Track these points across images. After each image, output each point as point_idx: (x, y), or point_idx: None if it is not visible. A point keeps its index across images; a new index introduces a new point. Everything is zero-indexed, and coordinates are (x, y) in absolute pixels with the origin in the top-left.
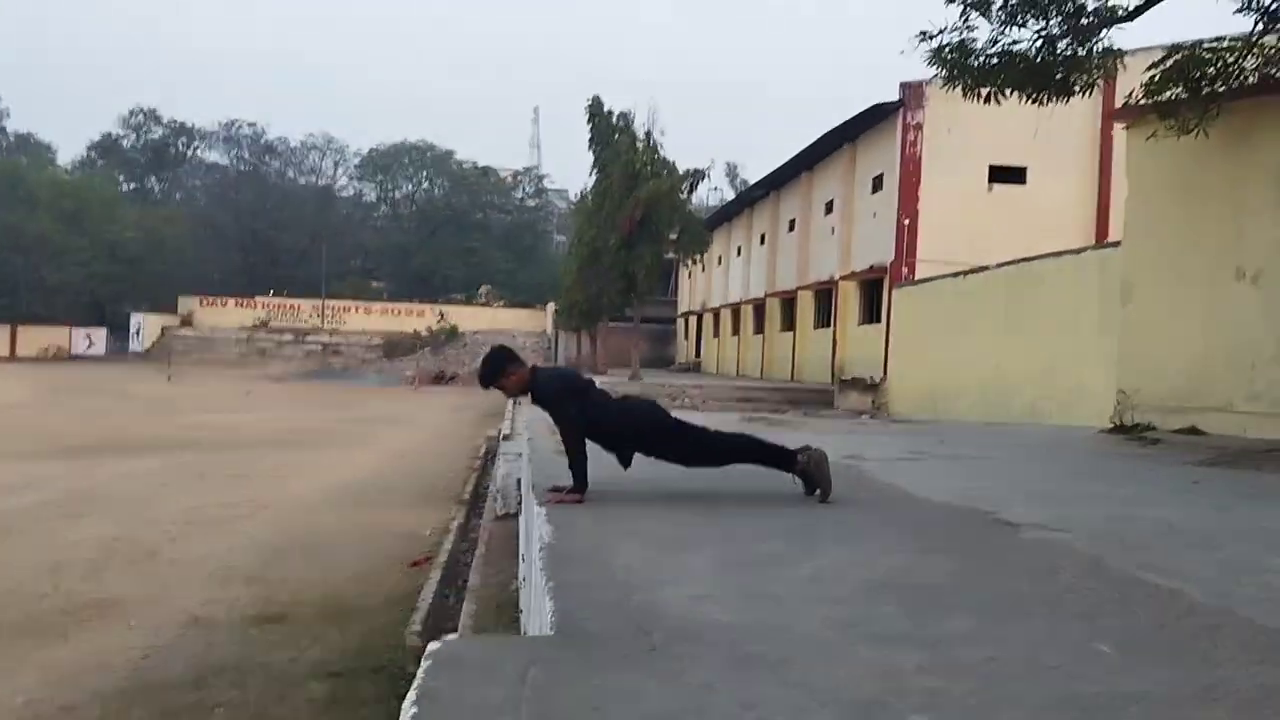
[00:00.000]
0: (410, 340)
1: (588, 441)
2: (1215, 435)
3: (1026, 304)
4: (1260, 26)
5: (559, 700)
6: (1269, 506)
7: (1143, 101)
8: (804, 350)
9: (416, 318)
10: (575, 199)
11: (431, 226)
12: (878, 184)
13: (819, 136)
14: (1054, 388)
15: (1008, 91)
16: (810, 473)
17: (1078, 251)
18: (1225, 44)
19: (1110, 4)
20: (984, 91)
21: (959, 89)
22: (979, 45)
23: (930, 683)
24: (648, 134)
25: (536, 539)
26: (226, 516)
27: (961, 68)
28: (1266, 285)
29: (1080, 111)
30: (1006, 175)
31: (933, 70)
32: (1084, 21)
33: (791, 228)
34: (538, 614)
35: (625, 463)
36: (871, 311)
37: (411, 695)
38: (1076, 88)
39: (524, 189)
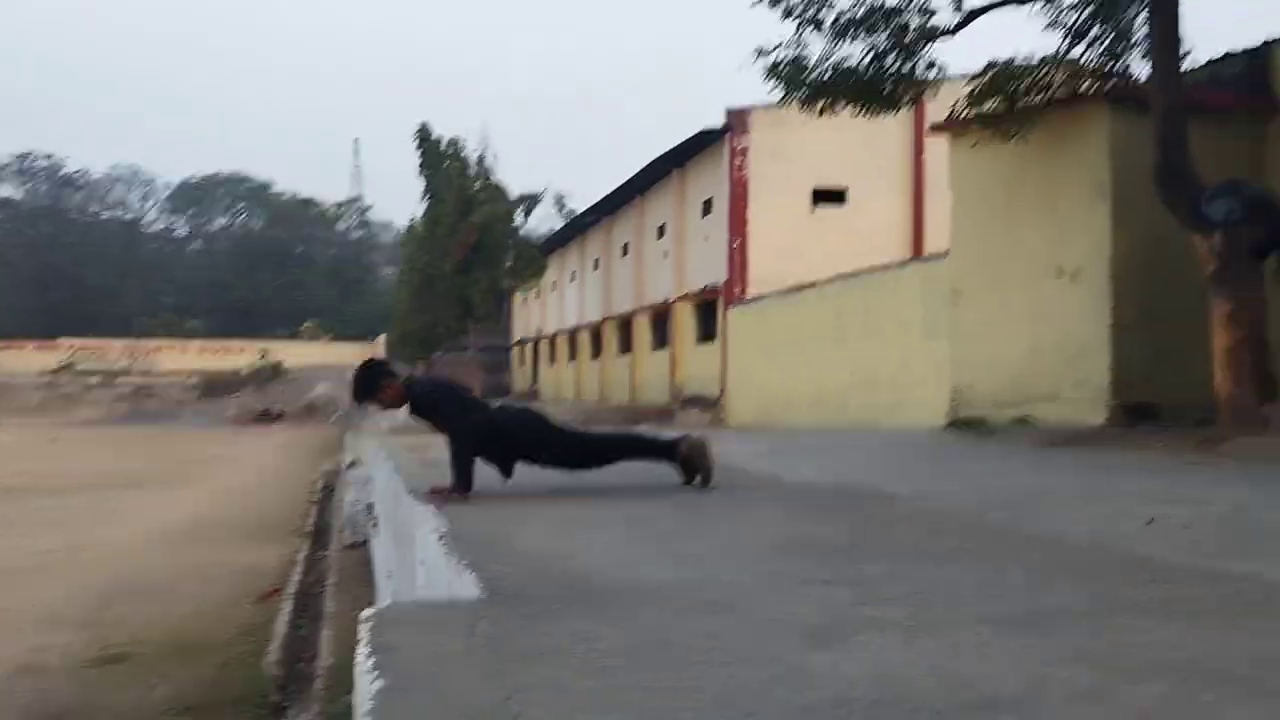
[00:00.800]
0: (230, 379)
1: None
2: (1046, 423)
3: (855, 316)
4: (1066, 43)
5: (516, 645)
6: (1116, 474)
7: (966, 113)
8: (642, 372)
9: (237, 355)
10: (404, 229)
11: (250, 260)
12: (708, 207)
13: (649, 162)
14: (883, 393)
15: (841, 104)
16: (692, 459)
17: (901, 264)
18: (1038, 59)
19: (931, 23)
20: (819, 105)
21: (794, 104)
22: (813, 61)
23: (868, 612)
24: (480, 158)
25: (430, 530)
26: (45, 563)
27: (797, 83)
28: (1085, 281)
29: (894, 134)
30: (828, 197)
31: (771, 85)
32: (909, 38)
33: (625, 252)
34: (453, 591)
35: (507, 473)
36: (708, 331)
37: (364, 649)
38: (903, 101)
39: (349, 220)
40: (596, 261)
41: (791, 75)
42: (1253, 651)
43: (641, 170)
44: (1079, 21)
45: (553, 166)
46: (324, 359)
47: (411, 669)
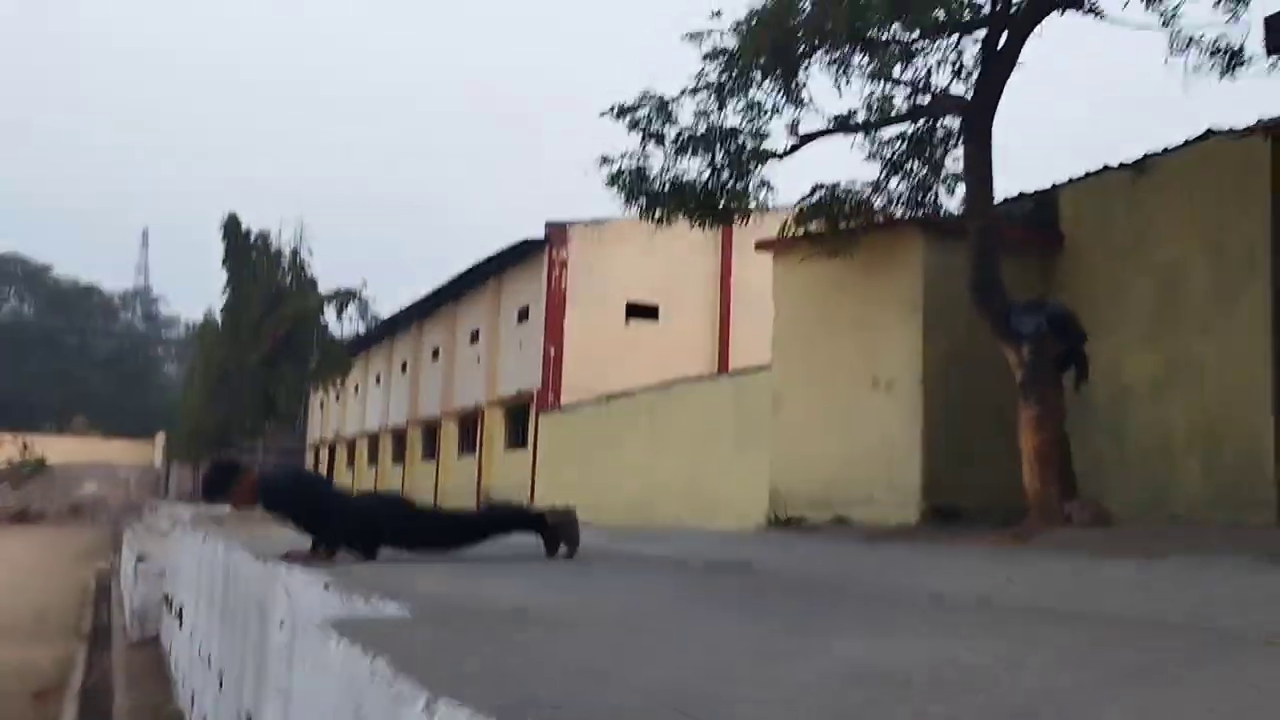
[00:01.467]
0: None
1: None
2: (862, 523)
3: (669, 425)
4: (884, 173)
5: (470, 651)
6: (943, 556)
7: (793, 231)
8: (447, 478)
9: None
10: (196, 323)
11: (18, 348)
12: (524, 315)
13: (467, 268)
14: (697, 498)
15: (679, 215)
16: (560, 528)
17: (714, 377)
18: (859, 185)
19: (765, 146)
20: (657, 214)
21: (634, 211)
22: (654, 173)
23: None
24: (294, 251)
25: (304, 583)
26: None
27: (637, 192)
28: (898, 391)
29: (704, 257)
30: (641, 312)
31: (613, 192)
32: (743, 157)
33: (436, 356)
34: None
35: (371, 557)
36: (518, 437)
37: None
38: (736, 216)
39: (134, 311)
40: (404, 365)
41: (632, 185)
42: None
43: (458, 276)
44: (895, 155)
45: (367, 267)
46: (94, 456)
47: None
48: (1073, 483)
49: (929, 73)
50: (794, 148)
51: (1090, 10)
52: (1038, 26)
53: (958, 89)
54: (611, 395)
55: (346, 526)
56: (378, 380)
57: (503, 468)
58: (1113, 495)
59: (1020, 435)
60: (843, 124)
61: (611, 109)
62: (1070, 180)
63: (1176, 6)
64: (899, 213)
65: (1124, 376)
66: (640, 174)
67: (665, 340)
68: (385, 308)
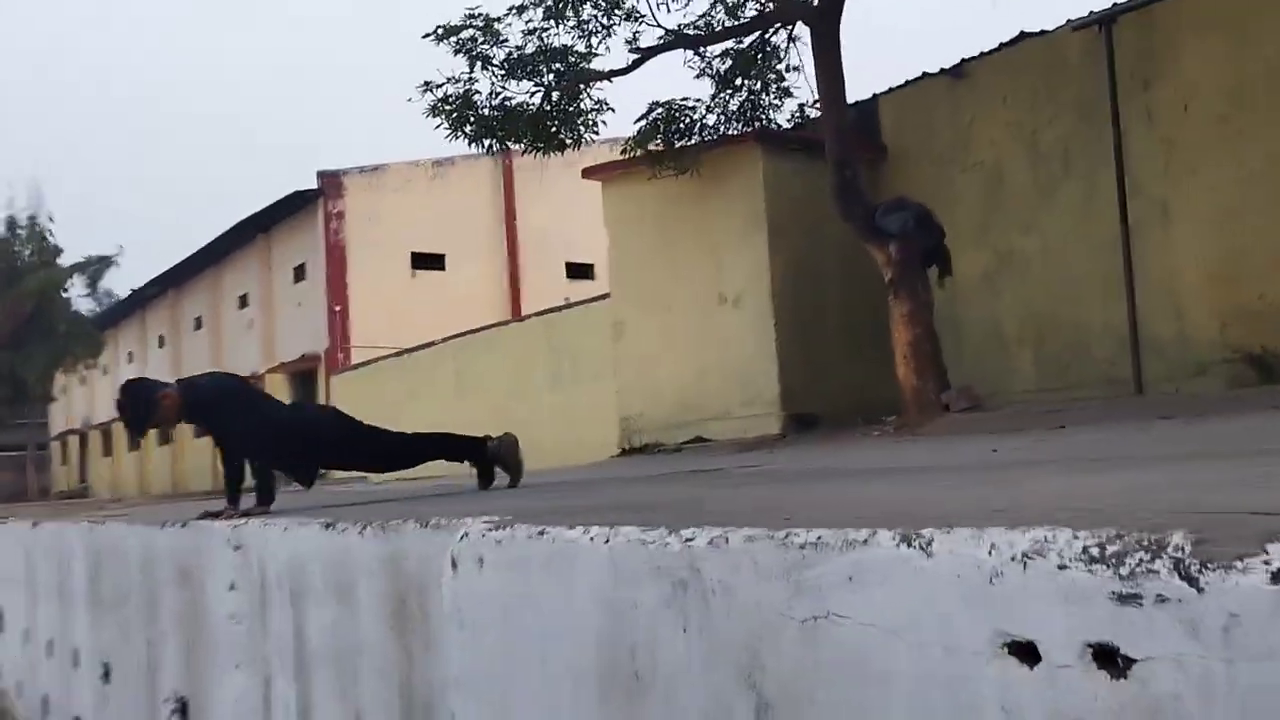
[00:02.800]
0: None
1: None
2: (720, 440)
3: (476, 371)
4: (715, 89)
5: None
6: (849, 450)
7: (633, 152)
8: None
9: None
10: None
11: None
12: (300, 273)
13: (228, 228)
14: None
15: (510, 142)
16: (502, 456)
17: (522, 319)
18: (693, 102)
19: (594, 66)
20: (487, 143)
21: (462, 140)
22: (482, 99)
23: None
24: (32, 219)
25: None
26: None
27: (463, 120)
28: (747, 306)
29: (487, 200)
30: (427, 262)
31: (437, 122)
32: (577, 77)
33: (199, 325)
34: None
35: (308, 480)
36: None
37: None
38: (568, 141)
39: None
40: (161, 339)
41: (459, 112)
42: None
43: (219, 237)
44: (726, 70)
45: (115, 229)
46: None
47: None
48: (944, 374)
49: None
50: (635, 64)
51: None
52: None
53: None
54: (413, 348)
55: (286, 439)
56: (130, 358)
57: None
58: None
59: (893, 331)
60: (683, 37)
61: (435, 31)
62: (890, 89)
63: None
64: (733, 129)
65: (956, 274)
66: (467, 100)
67: (454, 289)
68: (137, 277)
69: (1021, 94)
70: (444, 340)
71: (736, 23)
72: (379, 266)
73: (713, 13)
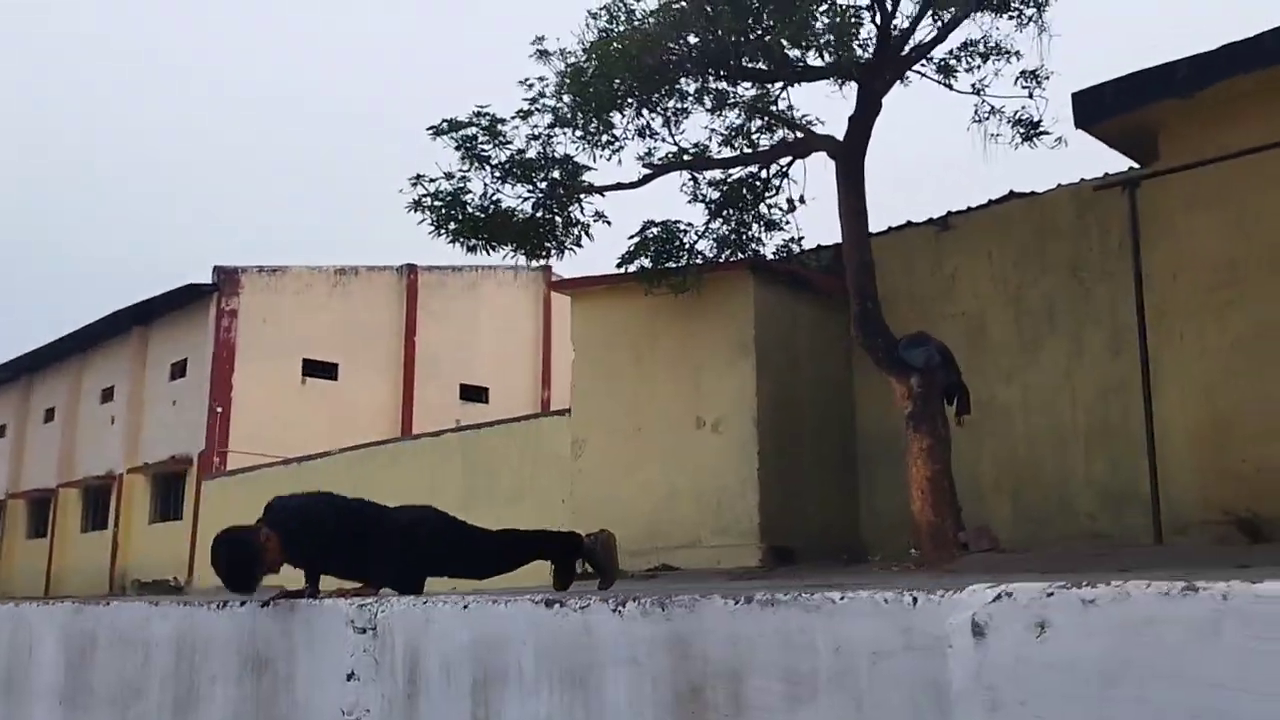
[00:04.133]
0: None
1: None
2: (689, 569)
3: (376, 486)
4: (707, 216)
5: None
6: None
7: (625, 267)
8: (65, 558)
9: None
10: None
11: None
12: (179, 370)
13: (102, 317)
14: None
15: (495, 246)
16: (598, 554)
17: (436, 435)
18: (683, 226)
19: (585, 180)
20: (471, 243)
21: (443, 238)
22: (473, 198)
23: None
24: None
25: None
26: None
27: (451, 217)
28: (728, 431)
29: (387, 313)
30: (320, 370)
31: (419, 218)
32: (561, 191)
33: (50, 417)
34: None
35: (419, 589)
36: (169, 507)
37: None
38: (552, 251)
39: None
40: (3, 428)
41: (447, 210)
42: None
43: (89, 325)
44: (721, 199)
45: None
46: None
47: None
48: (959, 512)
49: (787, 109)
50: (645, 179)
51: (938, 72)
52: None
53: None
54: (303, 457)
55: (404, 555)
56: None
57: (147, 543)
58: None
59: (910, 466)
60: (701, 159)
61: (439, 125)
62: (874, 233)
63: (984, 79)
64: (721, 255)
65: None
66: (456, 198)
67: (344, 401)
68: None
69: (1008, 250)
70: (341, 451)
71: (753, 150)
72: (268, 370)
73: (731, 138)
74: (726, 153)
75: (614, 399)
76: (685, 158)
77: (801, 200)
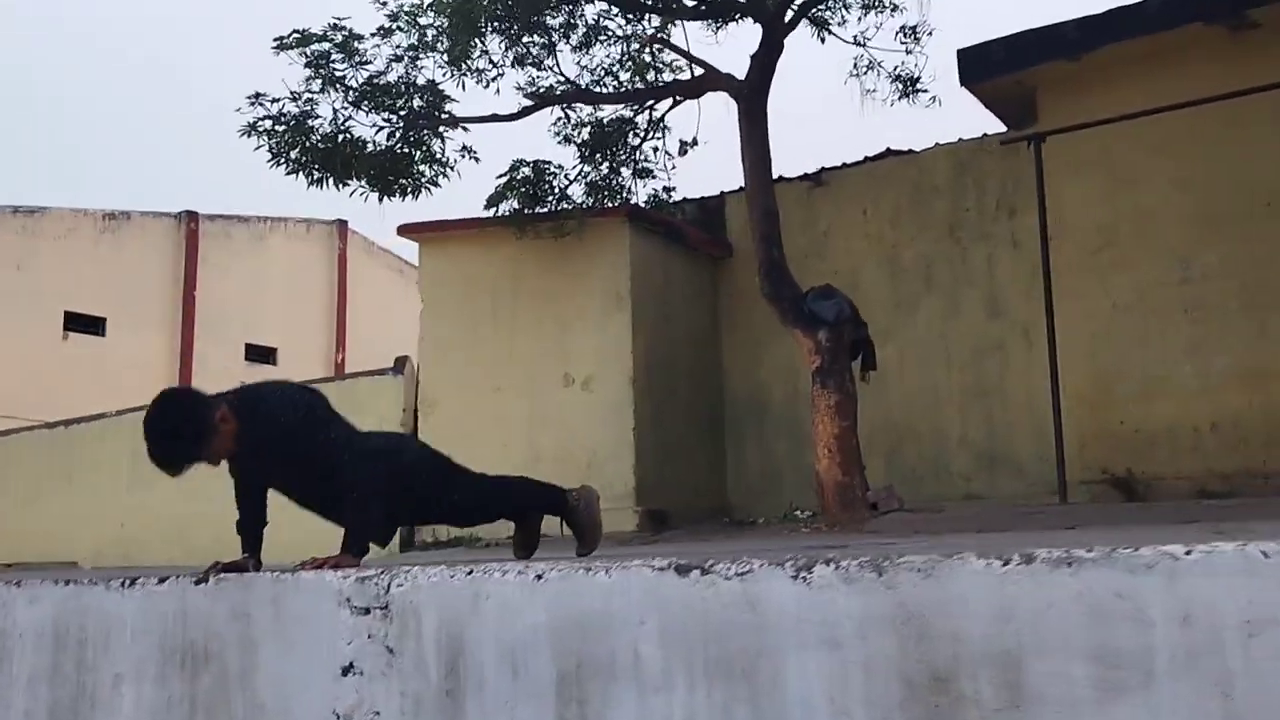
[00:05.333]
0: None
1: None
2: (552, 535)
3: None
4: (579, 158)
5: None
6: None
7: (496, 210)
8: None
9: None
10: None
11: None
12: None
13: None
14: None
15: (345, 181)
16: (581, 514)
17: None
18: (554, 168)
19: (451, 111)
20: (317, 176)
21: (282, 168)
22: (322, 124)
23: None
24: None
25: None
26: None
27: (292, 144)
28: (601, 391)
29: (163, 266)
30: (84, 324)
31: (256, 145)
32: (423, 122)
33: None
34: None
35: (390, 534)
36: None
37: None
38: (409, 189)
39: None
40: None
41: (292, 136)
42: None
43: None
44: (594, 138)
45: None
46: None
47: None
48: (864, 470)
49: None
50: (525, 110)
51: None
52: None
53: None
54: (71, 420)
55: (387, 488)
56: None
57: None
58: (796, 495)
59: (816, 424)
60: (589, 93)
61: (287, 37)
62: (740, 188)
63: (865, 31)
64: (591, 201)
65: (801, 382)
66: (300, 124)
67: (113, 359)
68: None
69: (883, 208)
70: (118, 414)
71: (645, 86)
72: (23, 323)
73: (620, 72)
74: (614, 89)
75: (469, 356)
76: (570, 90)
77: (694, 142)
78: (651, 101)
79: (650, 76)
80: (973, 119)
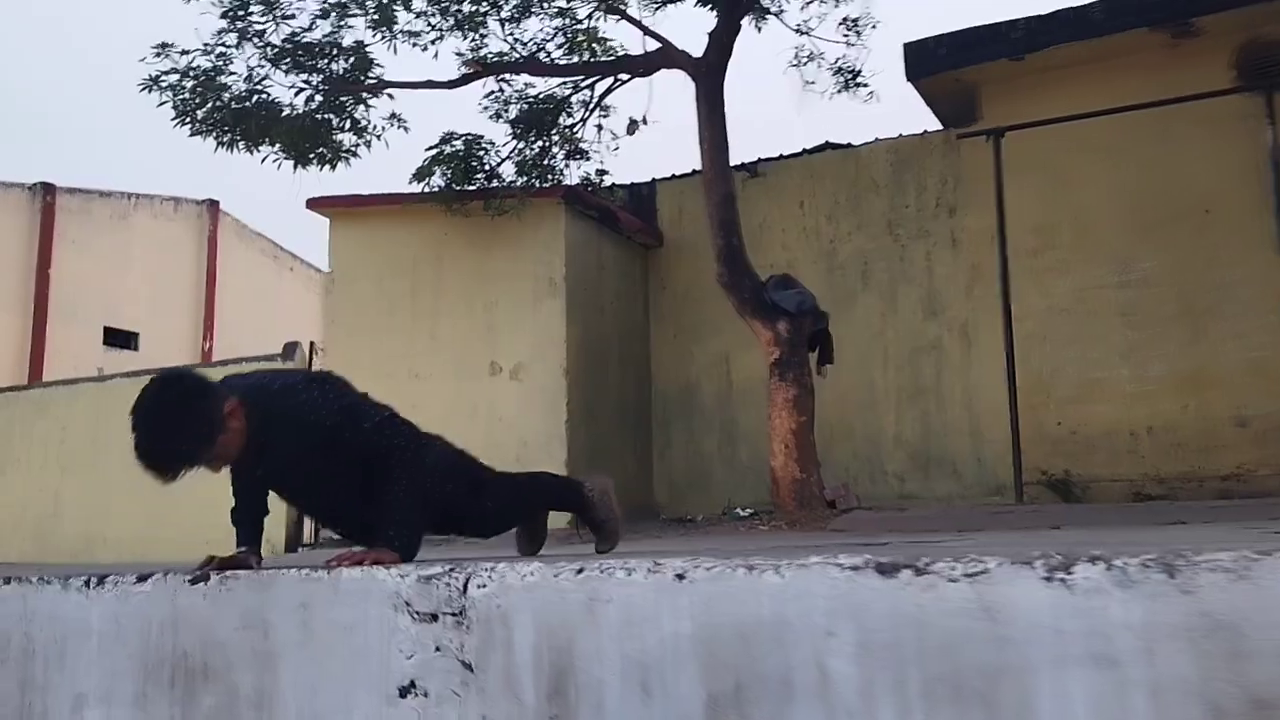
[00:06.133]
0: None
1: None
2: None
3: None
4: (511, 135)
5: None
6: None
7: (426, 185)
8: None
9: None
10: None
11: None
12: None
13: None
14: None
15: (259, 145)
16: (600, 508)
17: (70, 383)
18: (486, 144)
19: (377, 76)
20: (227, 138)
21: (186, 128)
22: (235, 83)
23: None
24: None
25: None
26: None
27: (200, 102)
28: (532, 381)
29: (15, 242)
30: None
31: (159, 101)
32: (347, 86)
33: None
34: None
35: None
36: None
37: None
38: (329, 158)
39: None
40: None
41: (202, 94)
42: None
43: None
44: (527, 119)
45: None
46: None
47: None
48: (820, 468)
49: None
50: (465, 79)
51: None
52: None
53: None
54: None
55: (427, 495)
56: None
57: None
58: (728, 492)
59: (773, 418)
60: (537, 63)
61: None
62: (672, 176)
63: (808, 20)
64: (521, 180)
65: (734, 376)
66: (211, 80)
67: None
68: None
69: (821, 202)
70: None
71: (594, 60)
72: None
73: (562, 45)
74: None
75: (384, 340)
76: (516, 60)
77: (644, 121)
78: (598, 77)
79: (596, 50)
80: (908, 117)
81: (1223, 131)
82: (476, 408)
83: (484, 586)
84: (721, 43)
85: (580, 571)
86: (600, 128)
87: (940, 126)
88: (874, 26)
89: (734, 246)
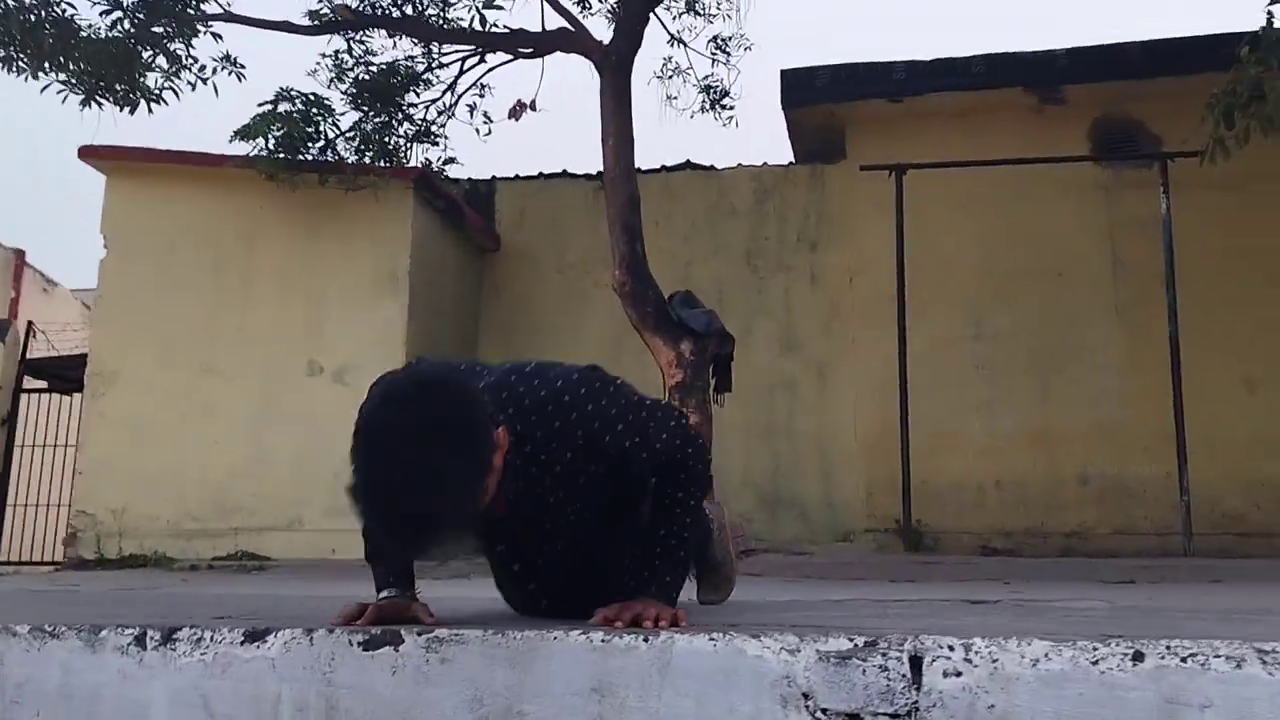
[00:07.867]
0: None
1: None
2: (288, 560)
3: None
4: (350, 105)
5: None
6: None
7: (254, 148)
8: None
9: None
10: None
11: None
12: None
13: None
14: None
15: (49, 72)
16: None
17: None
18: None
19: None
20: (16, 64)
21: None
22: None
23: None
24: None
25: None
26: None
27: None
28: (355, 382)
29: None
30: None
31: None
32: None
33: None
34: None
35: None
36: None
37: None
38: (137, 97)
39: None
40: None
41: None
42: None
43: None
44: (371, 88)
45: None
46: None
47: None
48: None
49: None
50: (320, 27)
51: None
52: None
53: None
54: None
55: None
56: None
57: None
58: None
59: None
60: (411, 21)
61: None
62: (516, 176)
63: (680, 32)
64: (355, 157)
65: None
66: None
67: None
68: None
69: (677, 223)
70: None
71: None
72: None
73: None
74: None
75: (172, 325)
76: (395, 16)
77: (532, 106)
78: (477, 49)
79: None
80: (777, 150)
81: (1079, 197)
82: (288, 413)
83: (958, 675)
84: (630, 33)
85: (1138, 658)
86: (473, 108)
87: (795, 161)
88: (747, 49)
89: (638, 254)
